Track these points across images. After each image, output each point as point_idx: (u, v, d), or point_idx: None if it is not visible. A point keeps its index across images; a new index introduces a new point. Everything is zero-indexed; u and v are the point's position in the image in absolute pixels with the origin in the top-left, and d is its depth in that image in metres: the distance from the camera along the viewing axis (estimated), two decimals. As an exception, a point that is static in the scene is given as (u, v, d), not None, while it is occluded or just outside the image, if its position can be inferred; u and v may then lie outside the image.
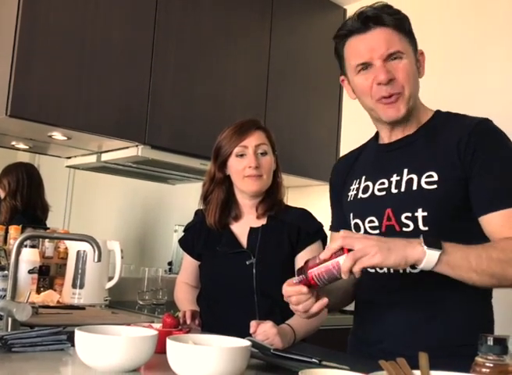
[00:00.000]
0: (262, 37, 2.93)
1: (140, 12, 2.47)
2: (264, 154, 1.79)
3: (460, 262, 1.11)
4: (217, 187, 1.83)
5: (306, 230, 1.76)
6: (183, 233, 1.98)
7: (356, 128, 3.14)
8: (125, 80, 2.41)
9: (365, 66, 1.29)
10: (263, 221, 1.81)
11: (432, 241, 1.10)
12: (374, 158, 1.43)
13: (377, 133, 1.46)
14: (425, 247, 1.09)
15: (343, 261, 1.10)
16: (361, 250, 1.09)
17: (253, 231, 1.79)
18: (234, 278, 1.75)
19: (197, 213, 1.92)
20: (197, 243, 1.87)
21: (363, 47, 1.28)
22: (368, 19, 1.27)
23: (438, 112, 1.38)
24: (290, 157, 2.97)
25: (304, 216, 1.82)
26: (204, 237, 1.85)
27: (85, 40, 2.30)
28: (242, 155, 1.77)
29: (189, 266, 1.92)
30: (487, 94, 2.61)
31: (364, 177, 1.41)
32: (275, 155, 1.84)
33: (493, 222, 1.21)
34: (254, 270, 1.72)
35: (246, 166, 1.75)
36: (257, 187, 1.77)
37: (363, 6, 1.31)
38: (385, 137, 1.40)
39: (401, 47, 1.27)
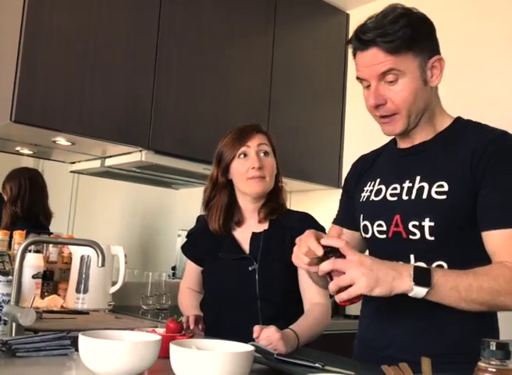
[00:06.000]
0: (265, 42, 2.94)
1: (144, 18, 2.48)
2: (266, 155, 1.79)
3: (450, 293, 1.14)
4: (219, 191, 1.83)
5: None
6: (185, 239, 1.98)
7: (359, 133, 3.15)
8: (128, 85, 2.42)
9: (365, 81, 1.30)
10: (265, 226, 1.81)
11: (421, 278, 1.12)
12: (390, 161, 1.43)
13: None
14: (413, 283, 1.11)
15: (329, 285, 1.14)
16: (347, 279, 1.11)
17: (255, 236, 1.79)
18: (237, 284, 1.75)
19: (199, 219, 1.93)
20: (199, 249, 1.88)
21: (361, 63, 1.30)
22: (363, 41, 1.27)
23: (458, 119, 1.37)
24: (293, 161, 2.98)
25: (306, 219, 1.82)
26: (207, 243, 1.85)
27: (88, 45, 2.32)
28: (245, 155, 1.78)
29: (192, 271, 1.93)
30: (488, 97, 2.61)
31: (378, 180, 1.41)
32: (276, 159, 1.85)
33: (494, 240, 1.21)
34: (257, 276, 1.72)
35: (249, 168, 1.76)
36: (261, 188, 1.77)
37: (370, 16, 1.29)
38: (401, 142, 1.40)
39: (397, 66, 1.25)
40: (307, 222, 1.78)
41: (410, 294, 1.13)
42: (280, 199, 1.85)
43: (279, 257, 1.74)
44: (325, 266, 1.15)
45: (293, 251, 1.73)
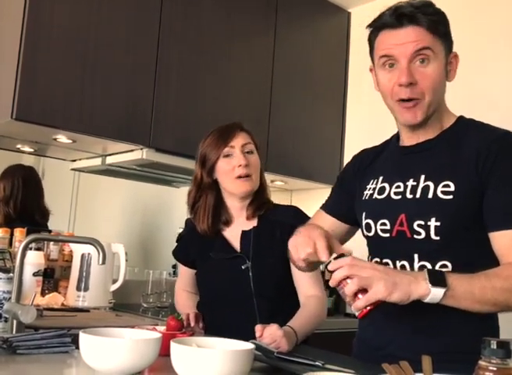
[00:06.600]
0: (266, 42, 2.93)
1: (145, 17, 2.47)
2: (250, 153, 1.79)
3: (465, 295, 1.13)
4: (205, 192, 1.81)
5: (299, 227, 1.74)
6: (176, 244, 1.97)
7: (360, 132, 3.15)
8: (130, 83, 2.42)
9: (390, 60, 1.27)
10: (254, 223, 1.80)
11: (437, 279, 1.11)
12: (393, 159, 1.41)
13: (399, 132, 1.44)
14: (430, 285, 1.10)
15: (348, 286, 1.09)
16: (367, 279, 1.08)
17: (245, 234, 1.78)
18: (231, 283, 1.74)
19: (188, 223, 1.92)
20: (189, 252, 1.87)
21: (392, 41, 1.27)
22: (402, 16, 1.25)
23: (461, 118, 1.36)
24: (294, 160, 2.98)
25: (296, 213, 1.81)
26: (196, 245, 1.84)
27: (90, 43, 2.31)
28: (229, 155, 1.77)
29: (185, 273, 1.93)
30: (489, 97, 2.60)
31: (381, 178, 1.40)
32: (259, 156, 1.84)
33: (502, 241, 1.20)
34: (251, 274, 1.72)
35: (235, 166, 1.75)
36: (248, 188, 1.77)
37: (399, 2, 1.29)
38: (405, 139, 1.38)
39: (433, 46, 1.25)
40: (297, 216, 1.76)
41: (427, 300, 1.11)
42: (265, 195, 1.85)
43: (271, 252, 1.74)
44: (340, 273, 1.11)
45: (285, 246, 1.71)
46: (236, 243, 1.79)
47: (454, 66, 1.32)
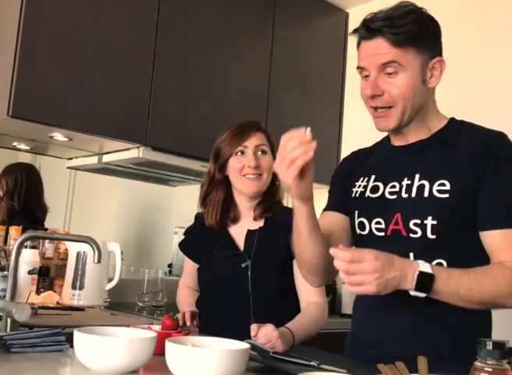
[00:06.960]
0: (264, 41, 2.93)
1: (143, 15, 2.47)
2: (263, 153, 1.80)
3: (449, 295, 1.18)
4: (216, 187, 1.83)
5: None
6: (183, 237, 1.98)
7: (357, 132, 3.15)
8: (126, 82, 2.41)
9: (364, 72, 1.31)
10: (260, 223, 1.81)
11: (423, 286, 1.15)
12: (386, 158, 1.42)
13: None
14: (413, 290, 1.15)
15: (341, 275, 1.15)
16: (361, 279, 1.12)
17: (250, 234, 1.79)
18: (229, 281, 1.75)
19: (197, 217, 1.93)
20: (196, 246, 1.88)
21: (365, 53, 1.30)
22: (370, 29, 1.28)
23: (452, 119, 1.37)
24: (291, 160, 2.97)
25: None
26: (203, 240, 1.85)
27: (87, 41, 2.31)
28: (242, 153, 1.78)
29: (189, 269, 1.93)
30: (489, 97, 2.61)
31: (373, 177, 1.40)
32: (274, 157, 1.84)
33: (493, 240, 1.23)
34: (250, 273, 1.72)
35: (245, 165, 1.76)
36: (256, 187, 1.78)
37: (380, 10, 1.30)
38: (395, 141, 1.40)
39: (399, 60, 1.26)
40: None
41: (411, 293, 1.16)
42: (276, 197, 1.85)
43: (273, 254, 1.74)
44: (337, 265, 1.14)
45: (287, 250, 1.70)
46: (240, 241, 1.80)
47: (438, 72, 1.32)
